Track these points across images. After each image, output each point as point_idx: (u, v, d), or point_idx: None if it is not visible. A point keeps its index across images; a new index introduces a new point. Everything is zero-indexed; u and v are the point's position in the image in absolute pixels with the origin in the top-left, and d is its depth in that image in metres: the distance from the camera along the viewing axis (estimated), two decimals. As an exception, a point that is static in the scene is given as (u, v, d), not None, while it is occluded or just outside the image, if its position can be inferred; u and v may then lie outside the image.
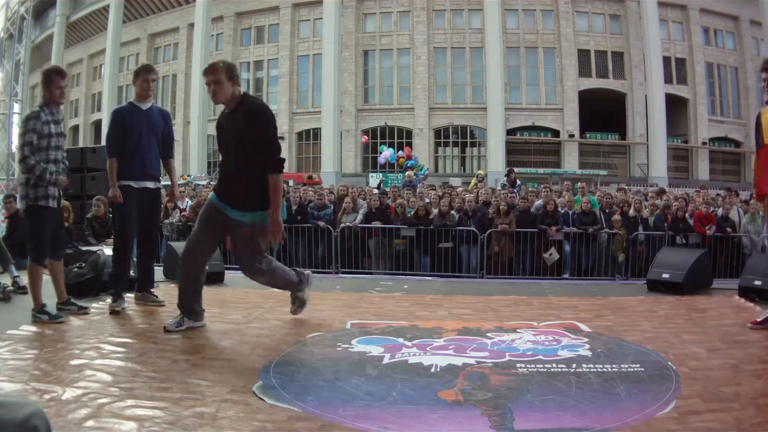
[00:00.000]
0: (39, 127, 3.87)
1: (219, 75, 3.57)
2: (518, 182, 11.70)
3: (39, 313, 3.92)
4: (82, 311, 4.14)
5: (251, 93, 33.09)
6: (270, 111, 3.74)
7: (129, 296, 4.66)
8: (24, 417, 1.13)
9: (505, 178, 12.01)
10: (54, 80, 3.96)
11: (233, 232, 3.80)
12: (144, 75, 4.44)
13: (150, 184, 4.49)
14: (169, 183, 4.87)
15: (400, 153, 25.49)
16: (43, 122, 3.89)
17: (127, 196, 4.34)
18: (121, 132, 4.36)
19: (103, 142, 4.84)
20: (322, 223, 8.25)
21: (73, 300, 4.20)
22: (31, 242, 4.04)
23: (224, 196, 3.71)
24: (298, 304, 4.12)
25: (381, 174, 25.34)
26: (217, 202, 3.73)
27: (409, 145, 31.58)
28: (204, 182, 20.51)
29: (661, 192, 11.15)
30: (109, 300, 4.42)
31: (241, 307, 4.54)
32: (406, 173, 15.98)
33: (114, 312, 4.26)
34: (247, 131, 3.55)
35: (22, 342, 3.44)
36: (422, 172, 15.93)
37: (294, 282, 4.05)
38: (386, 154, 25.61)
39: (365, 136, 31.32)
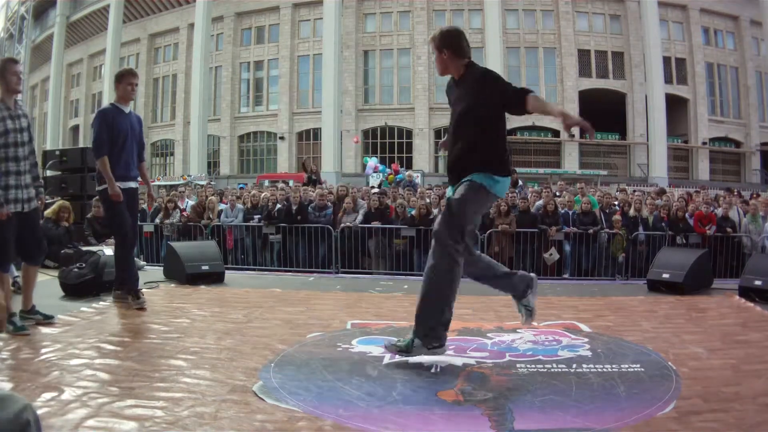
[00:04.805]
0: None
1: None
2: (520, 183, 11.71)
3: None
4: (48, 320, 3.90)
5: (251, 93, 32.28)
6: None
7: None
8: (17, 411, 1.14)
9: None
10: (7, 68, 3.73)
11: None
12: (129, 78, 4.53)
13: (132, 184, 4.61)
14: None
15: (388, 170, 25.38)
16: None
17: None
18: (109, 131, 4.39)
19: None
20: (319, 206, 8.34)
21: (38, 309, 3.95)
22: None
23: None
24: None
25: (381, 174, 25.28)
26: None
27: (409, 145, 31.55)
28: (204, 182, 20.53)
29: (661, 192, 11.16)
30: (109, 299, 4.51)
31: (242, 307, 4.54)
32: (407, 173, 15.97)
33: (141, 309, 4.36)
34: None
35: (22, 342, 3.44)
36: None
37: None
38: (371, 164, 25.49)
39: (356, 137, 31.13)
